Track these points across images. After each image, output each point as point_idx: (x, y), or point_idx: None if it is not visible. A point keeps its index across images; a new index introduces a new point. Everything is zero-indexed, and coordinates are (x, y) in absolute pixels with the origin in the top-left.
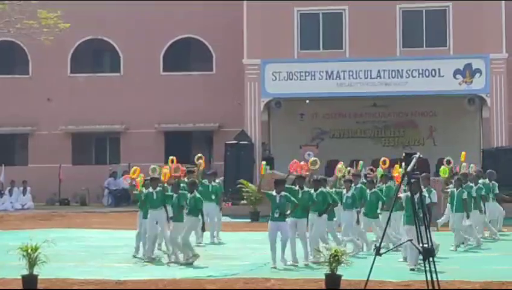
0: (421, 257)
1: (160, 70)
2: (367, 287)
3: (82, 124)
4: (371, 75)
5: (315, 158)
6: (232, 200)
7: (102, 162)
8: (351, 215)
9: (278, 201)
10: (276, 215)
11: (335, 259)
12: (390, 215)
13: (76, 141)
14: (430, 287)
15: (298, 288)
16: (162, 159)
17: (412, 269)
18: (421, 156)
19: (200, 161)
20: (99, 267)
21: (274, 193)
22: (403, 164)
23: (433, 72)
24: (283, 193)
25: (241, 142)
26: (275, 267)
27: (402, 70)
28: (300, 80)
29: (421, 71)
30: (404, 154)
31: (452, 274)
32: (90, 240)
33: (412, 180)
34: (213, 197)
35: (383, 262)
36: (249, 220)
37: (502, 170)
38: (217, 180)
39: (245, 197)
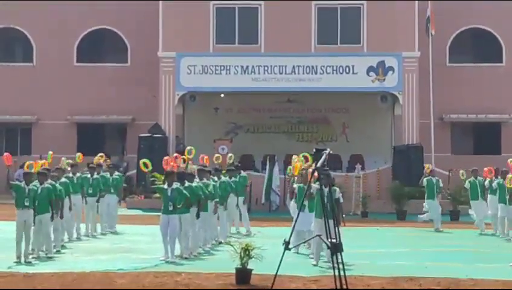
0: (328, 252)
1: (74, 61)
2: (276, 282)
3: None
4: (285, 71)
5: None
6: (145, 193)
7: (13, 153)
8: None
9: (169, 194)
10: (170, 208)
11: (246, 253)
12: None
13: None
14: (338, 283)
15: (208, 283)
16: (73, 151)
17: (315, 265)
18: (331, 152)
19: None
20: (7, 260)
21: (165, 186)
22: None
23: (347, 68)
24: (175, 186)
25: (154, 135)
26: (164, 260)
27: (316, 66)
28: (215, 74)
29: (335, 68)
30: (314, 150)
31: (361, 269)
32: None
33: (322, 176)
34: (112, 190)
35: (294, 257)
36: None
37: (411, 167)
38: (116, 173)
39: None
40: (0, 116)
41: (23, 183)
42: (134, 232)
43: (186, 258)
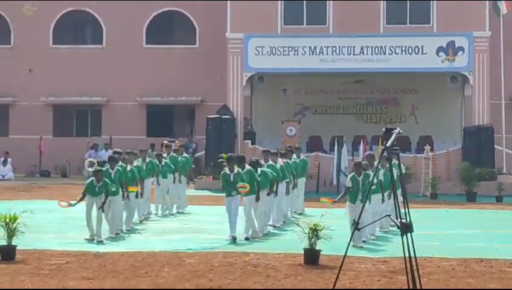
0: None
1: (143, 43)
2: (345, 263)
3: (63, 95)
4: (354, 52)
5: None
6: (213, 174)
7: (84, 134)
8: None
9: (232, 179)
10: (233, 193)
11: (314, 234)
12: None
13: (57, 113)
14: (408, 264)
15: (277, 263)
16: (143, 133)
17: (360, 247)
18: (401, 131)
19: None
20: (78, 239)
21: (227, 170)
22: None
23: (416, 49)
24: (236, 171)
25: (223, 117)
26: (231, 238)
27: (385, 46)
28: (283, 55)
29: (404, 48)
30: (384, 129)
31: (431, 250)
32: (69, 211)
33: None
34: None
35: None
36: None
37: (482, 148)
38: (185, 154)
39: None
40: (71, 97)
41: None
42: (202, 212)
43: (247, 239)
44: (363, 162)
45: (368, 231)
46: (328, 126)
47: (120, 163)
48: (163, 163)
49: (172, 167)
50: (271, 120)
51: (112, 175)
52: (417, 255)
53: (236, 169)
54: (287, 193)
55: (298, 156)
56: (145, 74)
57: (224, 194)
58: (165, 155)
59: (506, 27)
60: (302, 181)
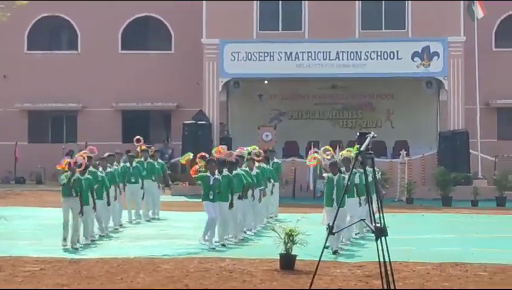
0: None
1: (119, 49)
2: (321, 268)
3: (39, 101)
4: (329, 57)
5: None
6: (189, 180)
7: (59, 140)
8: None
9: (211, 183)
10: (211, 196)
11: (290, 239)
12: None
13: (32, 119)
14: (383, 268)
15: (252, 268)
16: (119, 139)
17: (335, 251)
18: (375, 135)
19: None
20: (54, 246)
21: (208, 173)
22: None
23: (392, 54)
24: (217, 175)
25: (199, 122)
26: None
27: (361, 52)
28: (259, 60)
29: (379, 53)
30: (358, 134)
31: (407, 255)
32: (45, 218)
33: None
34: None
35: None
36: None
37: (457, 153)
38: (159, 160)
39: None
40: (47, 104)
41: (69, 174)
42: (178, 218)
43: (223, 245)
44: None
45: (344, 236)
46: (304, 131)
47: (91, 168)
48: (134, 165)
49: (144, 172)
50: (247, 125)
51: (83, 182)
52: (393, 260)
53: (217, 173)
54: (260, 200)
55: (271, 159)
56: (120, 79)
57: (201, 200)
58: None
59: (480, 32)
60: (276, 185)
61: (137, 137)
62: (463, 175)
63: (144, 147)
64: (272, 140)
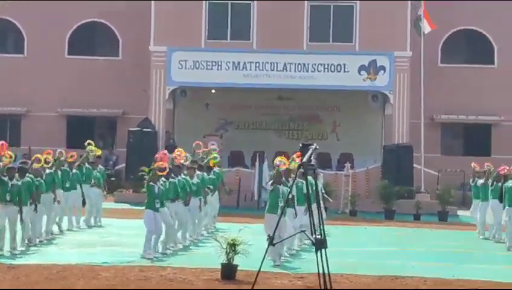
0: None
1: (65, 54)
2: (261, 279)
3: None
4: (277, 68)
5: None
6: (134, 187)
7: None
8: None
9: (156, 191)
10: (157, 205)
11: (232, 249)
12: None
13: None
14: (322, 280)
15: (193, 277)
16: (63, 144)
17: (277, 265)
18: (317, 147)
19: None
20: None
21: (151, 183)
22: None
23: (339, 67)
24: (161, 183)
25: (144, 130)
26: (150, 258)
27: (308, 64)
28: (206, 69)
29: (326, 66)
30: (301, 145)
31: (348, 267)
32: None
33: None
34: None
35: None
36: None
37: (401, 167)
38: (100, 167)
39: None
40: None
41: (6, 178)
42: (121, 226)
43: (165, 254)
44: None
45: (285, 246)
46: (250, 141)
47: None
48: (73, 172)
49: (82, 178)
50: (193, 134)
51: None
52: (334, 272)
53: (162, 181)
54: (200, 208)
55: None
56: (66, 84)
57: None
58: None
59: (426, 48)
60: (215, 194)
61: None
62: (406, 189)
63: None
64: (218, 149)
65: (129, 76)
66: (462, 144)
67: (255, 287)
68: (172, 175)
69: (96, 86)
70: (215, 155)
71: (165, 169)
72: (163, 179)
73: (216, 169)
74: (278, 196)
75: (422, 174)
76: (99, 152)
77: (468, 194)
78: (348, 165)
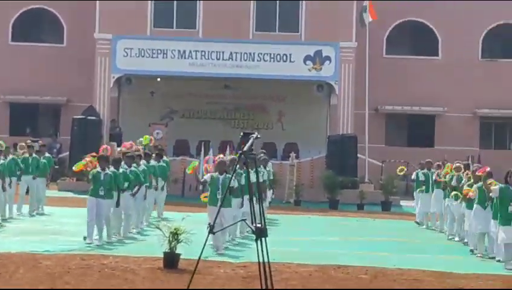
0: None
1: (9, 40)
2: (204, 267)
3: None
4: (223, 57)
5: None
6: (77, 176)
7: None
8: None
9: (102, 178)
10: (101, 192)
11: (174, 237)
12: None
13: None
14: (262, 269)
15: (136, 266)
16: (6, 131)
17: (220, 253)
18: (259, 136)
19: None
20: None
21: (99, 169)
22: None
23: (284, 57)
24: (108, 171)
25: (89, 118)
26: (90, 243)
27: (254, 53)
28: (152, 57)
29: (272, 55)
30: (242, 134)
31: (291, 256)
32: None
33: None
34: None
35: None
36: None
37: (345, 157)
38: (47, 155)
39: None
40: None
41: None
42: (64, 214)
43: (109, 242)
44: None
45: (229, 235)
46: (195, 130)
47: None
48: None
49: (30, 168)
50: (138, 122)
51: None
52: (277, 261)
53: (107, 169)
54: (145, 197)
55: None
56: (9, 71)
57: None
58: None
59: (371, 39)
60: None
61: (28, 144)
62: (350, 179)
63: (29, 142)
64: (163, 138)
65: (74, 63)
66: (406, 134)
67: (197, 276)
68: (123, 165)
69: (40, 73)
70: (147, 137)
71: (107, 158)
72: (112, 169)
73: (165, 158)
74: (217, 187)
75: (366, 164)
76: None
77: (411, 185)
78: (293, 155)
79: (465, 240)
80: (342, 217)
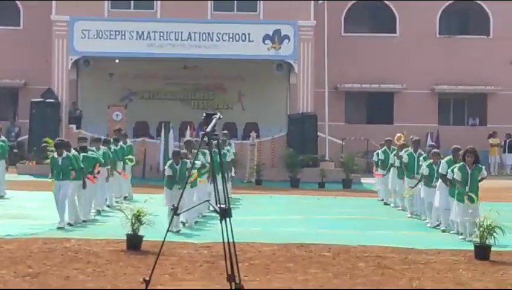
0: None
1: None
2: (168, 248)
3: None
4: (181, 37)
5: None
6: (37, 159)
7: None
8: None
9: (60, 163)
10: (60, 176)
11: (137, 219)
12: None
13: None
14: (227, 249)
15: (98, 249)
16: None
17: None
18: (221, 116)
19: None
20: None
21: (56, 155)
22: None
23: (243, 36)
24: (65, 155)
25: (47, 100)
26: (62, 227)
27: (212, 33)
28: (110, 39)
29: (231, 35)
30: (204, 114)
31: (254, 236)
32: None
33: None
34: None
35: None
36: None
37: (306, 135)
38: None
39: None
40: None
41: None
42: (24, 198)
43: (71, 225)
44: (181, 151)
45: (190, 216)
46: (155, 111)
47: None
48: None
49: None
50: (97, 105)
51: None
52: (240, 240)
53: (65, 153)
54: (107, 179)
55: (124, 143)
56: None
57: (49, 179)
58: None
59: (330, 17)
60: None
61: None
62: (311, 157)
63: None
64: (122, 120)
65: (31, 46)
66: (365, 112)
67: (160, 257)
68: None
69: None
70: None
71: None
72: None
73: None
74: (175, 172)
75: (326, 142)
76: None
77: (371, 162)
78: (253, 134)
79: (423, 218)
80: (303, 196)
